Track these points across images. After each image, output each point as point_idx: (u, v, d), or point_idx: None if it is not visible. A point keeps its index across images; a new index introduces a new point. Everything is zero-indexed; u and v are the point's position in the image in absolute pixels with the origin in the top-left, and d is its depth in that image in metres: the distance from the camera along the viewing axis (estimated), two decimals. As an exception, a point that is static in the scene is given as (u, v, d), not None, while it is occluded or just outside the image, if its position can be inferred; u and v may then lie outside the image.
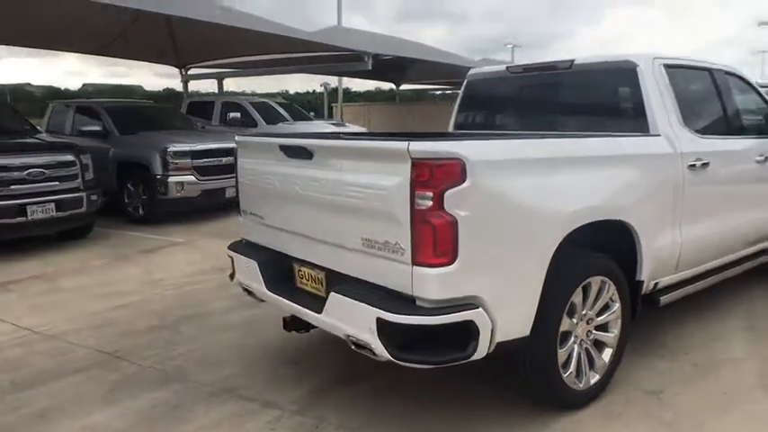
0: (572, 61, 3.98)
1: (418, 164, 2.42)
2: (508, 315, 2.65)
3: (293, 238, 3.24)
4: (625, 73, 3.70)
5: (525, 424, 2.99)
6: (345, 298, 2.73)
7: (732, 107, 4.36)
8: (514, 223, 2.66)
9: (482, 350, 2.58)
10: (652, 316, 4.00)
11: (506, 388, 3.27)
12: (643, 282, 3.39)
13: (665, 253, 3.52)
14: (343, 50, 12.05)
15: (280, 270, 3.34)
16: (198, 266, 6.23)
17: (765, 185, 4.49)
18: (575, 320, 3.04)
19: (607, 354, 3.26)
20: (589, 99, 4.02)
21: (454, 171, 2.43)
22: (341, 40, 12.18)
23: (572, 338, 3.05)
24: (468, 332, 2.54)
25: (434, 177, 2.42)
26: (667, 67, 3.76)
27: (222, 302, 5.01)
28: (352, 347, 2.78)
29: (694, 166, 3.65)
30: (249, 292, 3.59)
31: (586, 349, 3.16)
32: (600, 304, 3.16)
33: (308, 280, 3.20)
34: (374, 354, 2.64)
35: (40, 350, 4.04)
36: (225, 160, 9.01)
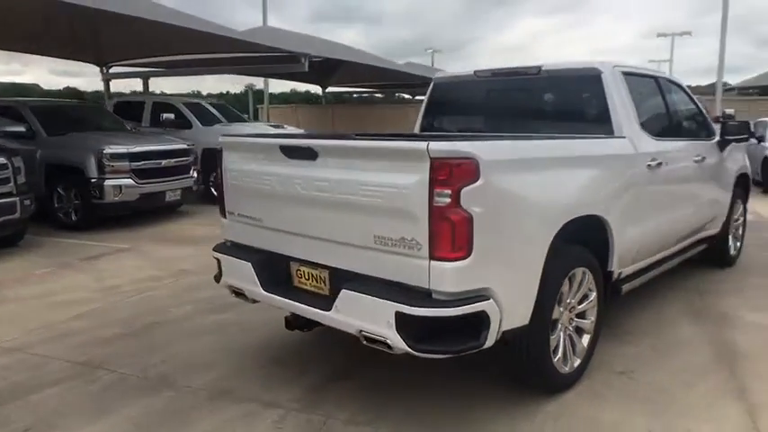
0: (539, 67, 4.25)
1: (437, 163, 2.55)
2: (513, 305, 2.83)
3: (292, 238, 3.26)
4: (590, 79, 4.01)
5: (520, 407, 3.18)
6: (359, 294, 2.81)
7: (675, 111, 4.83)
8: (519, 218, 2.85)
9: (491, 339, 2.74)
10: (612, 304, 4.34)
11: (496, 377, 3.47)
12: (613, 272, 3.70)
13: (628, 245, 3.85)
14: (281, 51, 11.95)
15: (276, 271, 3.36)
16: (148, 272, 6.02)
17: (702, 182, 5.00)
18: (561, 309, 3.27)
19: (585, 339, 3.53)
20: (556, 103, 4.31)
21: (470, 170, 2.58)
22: (270, 41, 12.04)
23: (559, 326, 3.28)
24: (480, 322, 2.69)
25: (452, 176, 2.55)
26: (624, 74, 4.11)
27: (184, 308, 4.90)
28: (364, 342, 2.86)
29: (651, 165, 4.02)
30: (238, 294, 3.56)
31: (569, 335, 3.41)
32: (581, 293, 3.42)
33: (307, 279, 3.24)
34: (389, 347, 2.73)
35: (5, 364, 3.79)
36: (165, 162, 8.76)
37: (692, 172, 4.79)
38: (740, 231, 6.27)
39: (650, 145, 4.07)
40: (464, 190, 2.56)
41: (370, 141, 3.03)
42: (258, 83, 24.51)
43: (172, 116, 10.47)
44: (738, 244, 6.23)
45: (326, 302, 3.05)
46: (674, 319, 4.56)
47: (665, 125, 4.60)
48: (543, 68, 4.24)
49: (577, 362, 3.45)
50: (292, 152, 3.14)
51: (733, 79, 44.68)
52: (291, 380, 3.53)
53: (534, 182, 2.93)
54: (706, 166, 4.99)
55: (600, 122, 3.96)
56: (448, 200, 2.55)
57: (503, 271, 2.78)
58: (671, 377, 3.56)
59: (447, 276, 2.62)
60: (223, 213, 3.74)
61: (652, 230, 4.15)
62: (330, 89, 23.40)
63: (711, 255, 5.71)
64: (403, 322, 2.65)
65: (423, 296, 2.67)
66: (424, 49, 49.79)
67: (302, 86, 22.66)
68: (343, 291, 2.88)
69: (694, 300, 5.02)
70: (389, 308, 2.68)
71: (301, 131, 11.42)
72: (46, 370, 3.71)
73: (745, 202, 6.27)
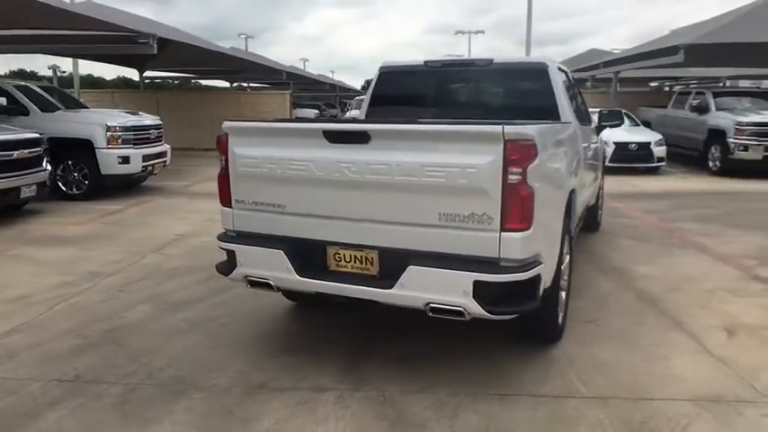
0: (491, 60, 4.73)
1: (510, 145, 2.85)
2: (549, 268, 3.27)
3: (329, 222, 3.28)
4: (538, 72, 4.61)
5: (538, 357, 3.64)
6: (430, 269, 2.99)
7: (580, 101, 5.69)
8: (551, 191, 3.28)
9: (539, 300, 3.15)
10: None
11: (500, 336, 3.89)
12: (573, 233, 4.36)
13: (578, 211, 4.54)
14: (125, 31, 10.87)
15: (309, 256, 3.34)
16: (52, 279, 5.29)
17: (596, 161, 5.99)
18: (563, 269, 3.80)
19: (563, 295, 4.12)
20: (506, 93, 4.83)
21: (533, 150, 2.92)
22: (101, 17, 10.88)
23: (561, 284, 3.81)
24: (536, 284, 3.08)
25: (522, 156, 2.87)
26: (558, 69, 4.78)
27: (138, 310, 4.49)
28: (429, 314, 3.06)
29: (585, 146, 4.77)
30: (258, 285, 3.46)
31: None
32: (566, 255, 3.99)
33: (348, 261, 3.29)
34: (461, 315, 2.98)
35: (-33, 394, 3.18)
36: (17, 154, 7.56)
37: (595, 152, 5.72)
38: (601, 201, 7.56)
39: (581, 130, 4.82)
40: (529, 168, 2.90)
41: (441, 125, 3.18)
42: (63, 63, 21.59)
43: (3, 101, 8.98)
44: (600, 212, 7.51)
45: (378, 281, 3.18)
46: (591, 276, 5.42)
47: (578, 112, 5.42)
48: (495, 61, 4.73)
49: (561, 315, 4.02)
50: (339, 137, 3.17)
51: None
52: (316, 365, 3.55)
53: (556, 159, 3.39)
54: (597, 147, 5.98)
55: (548, 110, 4.57)
56: (519, 177, 2.87)
57: (545, 238, 3.19)
58: (622, 320, 4.32)
59: (515, 245, 2.94)
60: (227, 203, 3.56)
61: (583, 199, 4.92)
62: (148, 73, 21.64)
63: (588, 221, 6.82)
64: (480, 290, 2.92)
65: (493, 265, 2.96)
66: (237, 35, 48.11)
67: (108, 70, 20.53)
68: (411, 267, 3.03)
69: (592, 259, 6.00)
70: (467, 278, 2.92)
71: (156, 119, 10.60)
72: (28, 393, 3.21)
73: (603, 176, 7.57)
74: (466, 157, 2.91)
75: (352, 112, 20.49)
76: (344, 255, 3.30)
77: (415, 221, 3.08)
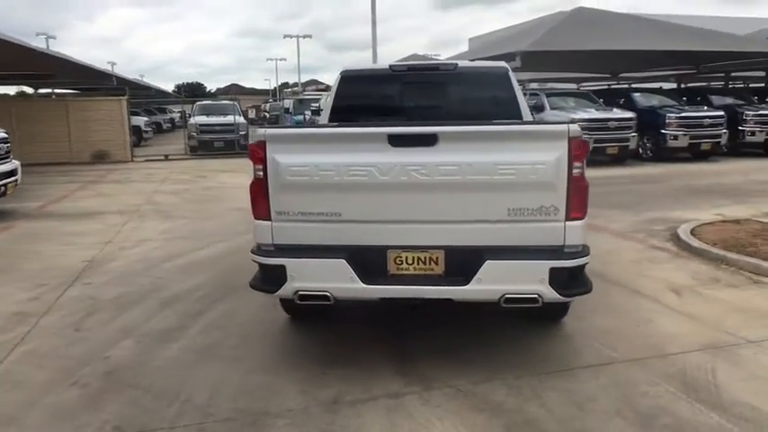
0: (456, 64, 5.00)
1: (574, 142, 3.13)
2: (585, 252, 3.63)
3: (389, 227, 3.27)
4: (500, 75, 4.99)
5: (554, 337, 4.01)
6: (507, 262, 3.16)
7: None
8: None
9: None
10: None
11: (507, 321, 4.19)
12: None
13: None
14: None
15: (369, 263, 3.29)
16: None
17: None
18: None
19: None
20: (472, 96, 5.11)
21: (588, 146, 3.25)
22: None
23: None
24: (585, 268, 3.42)
25: (581, 151, 3.18)
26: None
27: (119, 350, 3.94)
28: (503, 306, 3.23)
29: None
30: (313, 298, 3.31)
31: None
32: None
33: (410, 263, 3.32)
34: (535, 301, 3.20)
35: None
36: None
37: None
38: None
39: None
40: (583, 162, 3.22)
41: (511, 126, 3.32)
42: None
43: None
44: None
45: (448, 280, 3.26)
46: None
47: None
48: (459, 65, 5.01)
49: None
50: (405, 140, 3.17)
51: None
52: (371, 372, 3.49)
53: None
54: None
55: (510, 110, 4.97)
56: (580, 171, 3.18)
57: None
58: (593, 294, 4.88)
59: (577, 233, 3.24)
60: (264, 216, 3.35)
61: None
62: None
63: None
64: (555, 276, 3.17)
65: (560, 252, 3.23)
66: (35, 34, 42.60)
67: None
68: (488, 262, 3.17)
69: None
70: (543, 266, 3.15)
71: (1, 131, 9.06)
72: None
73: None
74: (535, 154, 3.14)
75: (197, 119, 19.36)
76: (406, 257, 3.32)
77: (484, 218, 3.22)
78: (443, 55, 29.11)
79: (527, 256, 3.19)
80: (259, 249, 3.41)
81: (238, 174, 12.55)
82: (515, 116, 4.91)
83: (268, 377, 3.48)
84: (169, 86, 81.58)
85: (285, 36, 51.79)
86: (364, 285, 3.26)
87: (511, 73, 4.99)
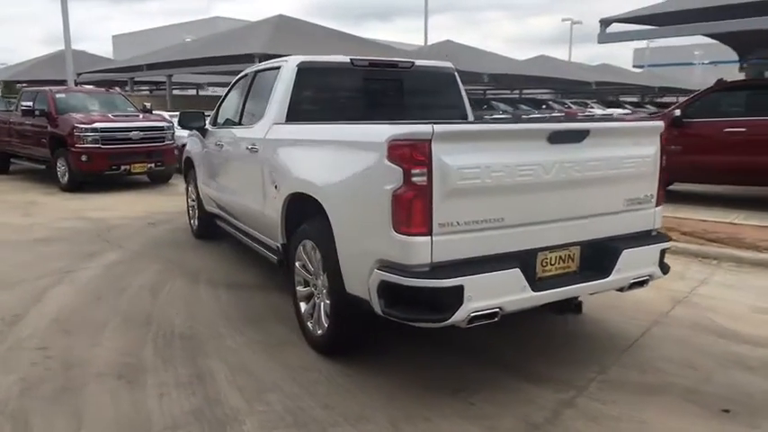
0: (413, 62, 4.86)
1: (662, 135, 3.55)
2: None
3: (539, 228, 3.13)
4: (449, 75, 5.08)
5: (581, 337, 4.36)
6: (638, 249, 3.40)
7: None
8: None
9: None
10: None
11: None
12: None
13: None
14: None
15: (528, 269, 3.08)
16: None
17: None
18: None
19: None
20: (425, 94, 5.01)
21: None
22: None
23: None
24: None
25: (664, 144, 3.61)
26: None
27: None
28: (626, 290, 3.44)
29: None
30: (483, 318, 2.91)
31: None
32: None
33: (553, 264, 3.23)
34: (646, 284, 3.51)
35: None
36: None
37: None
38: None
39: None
40: None
41: (639, 123, 3.38)
42: None
43: None
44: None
45: (587, 275, 3.31)
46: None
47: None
48: (416, 64, 4.88)
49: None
50: (560, 137, 3.05)
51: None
52: (436, 388, 3.26)
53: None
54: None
55: (457, 109, 5.12)
56: (664, 161, 3.61)
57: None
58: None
59: (659, 217, 3.68)
60: (423, 231, 2.79)
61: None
62: None
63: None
64: (661, 257, 3.54)
65: (655, 235, 3.62)
66: None
67: None
68: (624, 251, 3.32)
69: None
70: (656, 249, 3.51)
71: None
72: None
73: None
74: (645, 148, 3.46)
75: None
76: (551, 258, 3.22)
77: (610, 210, 3.39)
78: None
79: (645, 242, 3.48)
80: (421, 272, 2.81)
81: None
82: (462, 113, 5.08)
83: (347, 404, 2.91)
84: None
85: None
86: (534, 293, 3.04)
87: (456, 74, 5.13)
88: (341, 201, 3.23)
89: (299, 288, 3.92)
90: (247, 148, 4.62)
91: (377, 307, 2.99)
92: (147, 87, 34.72)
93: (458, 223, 2.87)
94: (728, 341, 3.89)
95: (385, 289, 2.92)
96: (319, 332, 3.65)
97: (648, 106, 30.86)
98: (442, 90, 5.19)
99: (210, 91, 36.41)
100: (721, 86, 8.72)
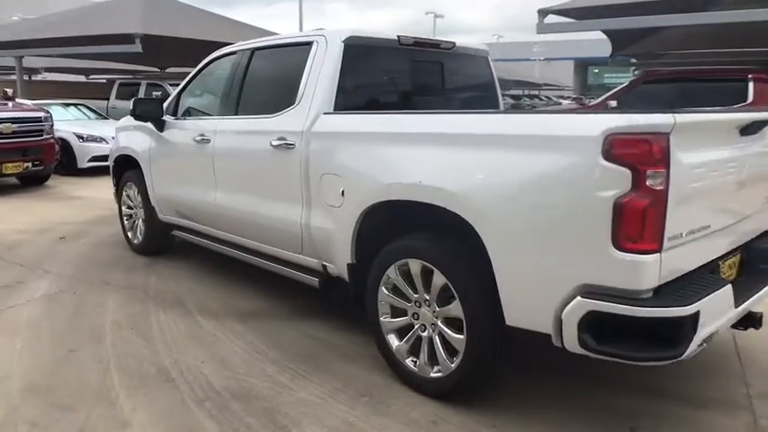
0: (454, 43, 4.20)
1: None
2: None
3: (722, 233, 2.70)
4: (485, 59, 4.53)
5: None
6: None
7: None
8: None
9: None
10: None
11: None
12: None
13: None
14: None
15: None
16: None
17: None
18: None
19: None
20: (463, 78, 4.38)
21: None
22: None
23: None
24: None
25: None
26: None
27: None
28: None
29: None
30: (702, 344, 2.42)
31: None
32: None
33: (728, 270, 2.83)
34: None
35: None
36: None
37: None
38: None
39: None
40: None
41: None
42: None
43: None
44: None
45: (751, 281, 2.94)
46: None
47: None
48: (457, 45, 4.23)
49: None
50: (752, 128, 2.63)
51: None
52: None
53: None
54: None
55: (491, 95, 4.59)
56: None
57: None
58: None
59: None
60: (655, 246, 2.22)
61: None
62: None
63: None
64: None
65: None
66: None
67: None
68: None
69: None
70: None
71: None
72: None
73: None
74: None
75: None
76: (724, 266, 2.81)
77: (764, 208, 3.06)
78: None
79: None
80: (638, 299, 2.23)
81: None
82: (495, 100, 4.59)
83: None
84: None
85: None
86: (735, 309, 2.60)
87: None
88: (507, 213, 2.51)
89: (387, 319, 3.15)
90: (272, 144, 3.65)
91: (572, 342, 2.36)
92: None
93: (682, 235, 2.33)
94: None
95: (594, 321, 2.30)
96: (435, 374, 2.92)
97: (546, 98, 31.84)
98: (478, 74, 4.60)
99: (45, 76, 31.38)
100: (649, 78, 9.14)
